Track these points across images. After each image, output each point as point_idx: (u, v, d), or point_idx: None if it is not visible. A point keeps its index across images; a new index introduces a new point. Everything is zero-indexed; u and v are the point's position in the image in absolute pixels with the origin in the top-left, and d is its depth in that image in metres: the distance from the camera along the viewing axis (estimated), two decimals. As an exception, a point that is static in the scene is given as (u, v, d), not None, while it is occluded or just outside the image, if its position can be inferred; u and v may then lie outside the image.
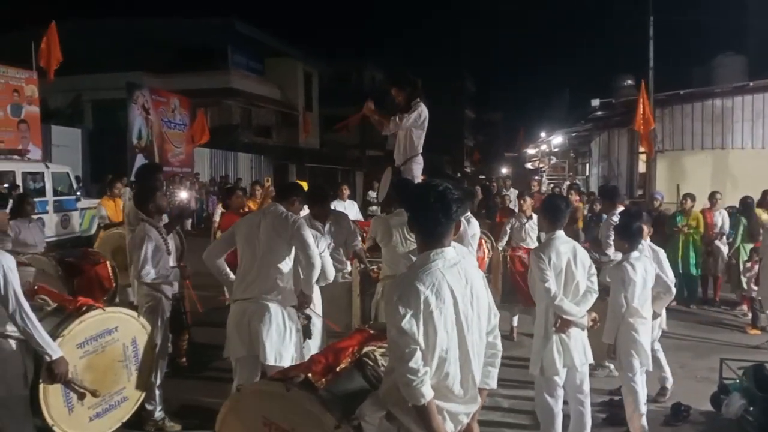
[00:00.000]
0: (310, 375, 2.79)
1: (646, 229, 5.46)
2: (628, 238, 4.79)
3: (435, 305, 2.44)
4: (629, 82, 23.38)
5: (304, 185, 7.21)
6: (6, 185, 11.38)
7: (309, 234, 4.31)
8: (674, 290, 5.42)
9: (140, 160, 19.78)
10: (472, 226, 5.42)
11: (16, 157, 13.17)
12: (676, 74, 20.04)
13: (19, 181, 12.18)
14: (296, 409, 2.69)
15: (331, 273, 4.86)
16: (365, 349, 3.05)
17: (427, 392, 2.40)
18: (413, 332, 2.40)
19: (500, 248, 7.84)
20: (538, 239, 7.76)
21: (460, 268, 2.56)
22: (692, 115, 16.94)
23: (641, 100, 14.63)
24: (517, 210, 8.52)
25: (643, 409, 4.69)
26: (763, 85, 16.31)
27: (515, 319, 7.67)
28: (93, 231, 14.50)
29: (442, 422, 2.49)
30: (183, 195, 11.65)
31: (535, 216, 8.02)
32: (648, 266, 4.82)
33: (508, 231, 7.95)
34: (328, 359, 2.94)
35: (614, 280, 4.72)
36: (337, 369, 2.88)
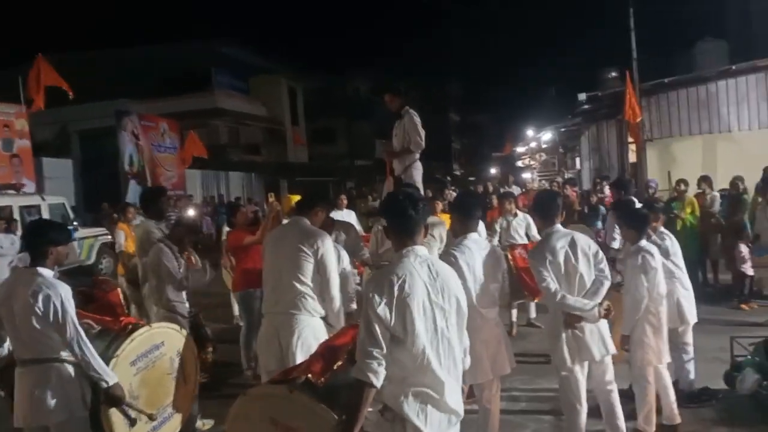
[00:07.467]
0: (310, 376, 2.99)
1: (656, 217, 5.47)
2: (635, 227, 4.76)
3: (407, 291, 2.64)
4: (613, 74, 23.62)
5: (296, 198, 7.27)
6: (4, 219, 11.37)
7: (335, 265, 4.29)
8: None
9: (133, 185, 19.80)
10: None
11: (11, 191, 13.21)
12: (658, 63, 20.20)
13: (16, 215, 12.15)
14: (300, 409, 2.90)
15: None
16: None
17: (376, 378, 2.59)
18: (386, 318, 2.62)
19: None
20: (527, 235, 7.93)
21: (430, 263, 2.79)
22: (678, 102, 17.08)
23: (627, 91, 14.78)
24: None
25: (672, 396, 4.76)
26: (746, 68, 16.47)
27: (514, 313, 7.88)
28: (92, 260, 14.58)
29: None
30: (191, 212, 11.63)
31: (520, 213, 8.22)
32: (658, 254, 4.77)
33: (498, 230, 8.04)
34: (326, 358, 3.16)
35: (633, 271, 4.59)
36: (335, 367, 3.08)
